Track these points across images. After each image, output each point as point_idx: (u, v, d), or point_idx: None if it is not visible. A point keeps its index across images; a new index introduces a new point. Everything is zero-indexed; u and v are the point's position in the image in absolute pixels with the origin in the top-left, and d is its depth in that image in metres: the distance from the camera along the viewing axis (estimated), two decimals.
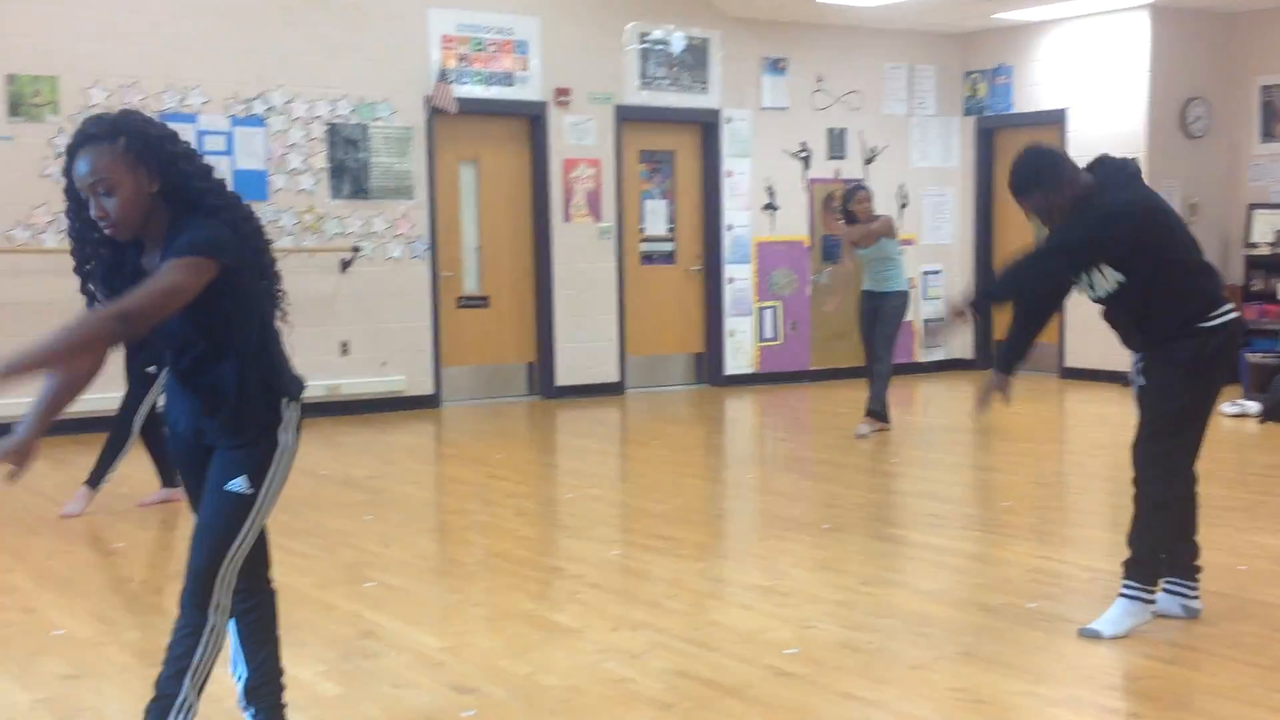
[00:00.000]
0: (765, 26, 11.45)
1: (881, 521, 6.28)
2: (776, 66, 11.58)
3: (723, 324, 11.50)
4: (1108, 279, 4.37)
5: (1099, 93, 11.35)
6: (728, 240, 11.48)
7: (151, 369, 6.29)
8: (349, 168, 9.81)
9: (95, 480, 6.44)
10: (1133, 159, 4.54)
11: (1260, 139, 11.34)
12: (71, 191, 2.92)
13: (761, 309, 11.66)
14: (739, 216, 11.52)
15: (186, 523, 6.08)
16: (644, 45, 10.96)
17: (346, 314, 9.80)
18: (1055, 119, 11.65)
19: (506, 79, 10.40)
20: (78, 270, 3.02)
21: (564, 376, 10.72)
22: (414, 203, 10.07)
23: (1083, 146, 11.47)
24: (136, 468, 6.73)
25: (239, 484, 3.03)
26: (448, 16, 10.12)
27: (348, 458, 8.01)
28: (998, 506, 6.71)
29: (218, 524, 3.04)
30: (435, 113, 10.04)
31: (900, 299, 8.92)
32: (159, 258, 2.88)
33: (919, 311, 12.36)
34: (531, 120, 10.60)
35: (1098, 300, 4.48)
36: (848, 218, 8.97)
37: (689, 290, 11.53)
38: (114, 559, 5.68)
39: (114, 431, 6.44)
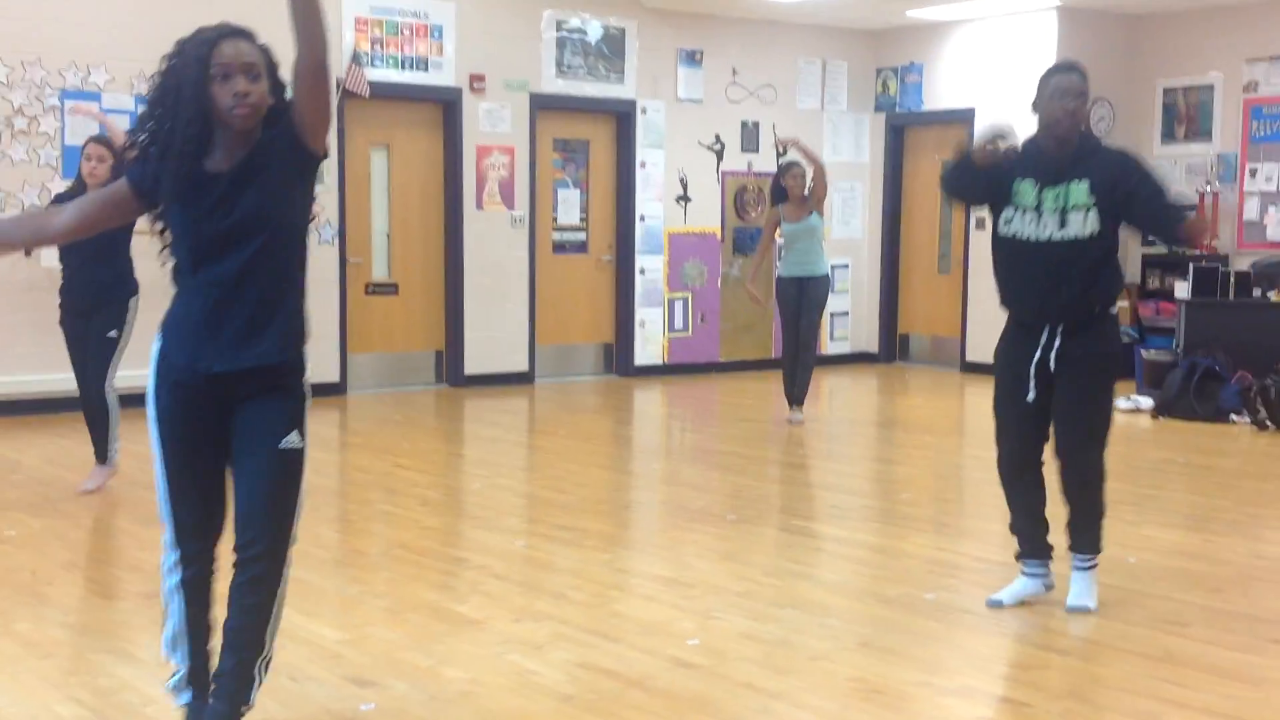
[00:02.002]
0: (682, 18, 11.47)
1: (785, 513, 6.35)
2: (692, 58, 11.61)
3: (633, 314, 11.52)
4: (1088, 222, 4.30)
5: (1006, 92, 11.52)
6: (640, 231, 11.49)
7: (112, 334, 6.26)
8: None
9: (104, 456, 6.41)
10: None
11: (1161, 140, 11.61)
12: (197, 70, 2.94)
13: (672, 300, 11.70)
14: (652, 207, 11.54)
15: (82, 511, 5.96)
16: (560, 33, 10.93)
17: None
18: (964, 117, 11.82)
19: (421, 64, 10.31)
20: (142, 152, 3.03)
21: (473, 365, 10.67)
22: (322, 187, 9.92)
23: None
24: (53, 452, 6.57)
25: (293, 439, 3.10)
26: None
27: None
28: (898, 499, 6.81)
29: (285, 482, 3.10)
30: (347, 96, 9.93)
31: (826, 284, 8.95)
32: (251, 157, 2.99)
33: (827, 305, 12.47)
34: (445, 106, 10.52)
35: (1046, 241, 4.31)
36: (778, 194, 8.90)
37: (600, 280, 11.54)
38: (4, 548, 5.55)
39: (93, 406, 6.36)
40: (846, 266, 12.67)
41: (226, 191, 2.99)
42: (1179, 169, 11.48)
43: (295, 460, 3.12)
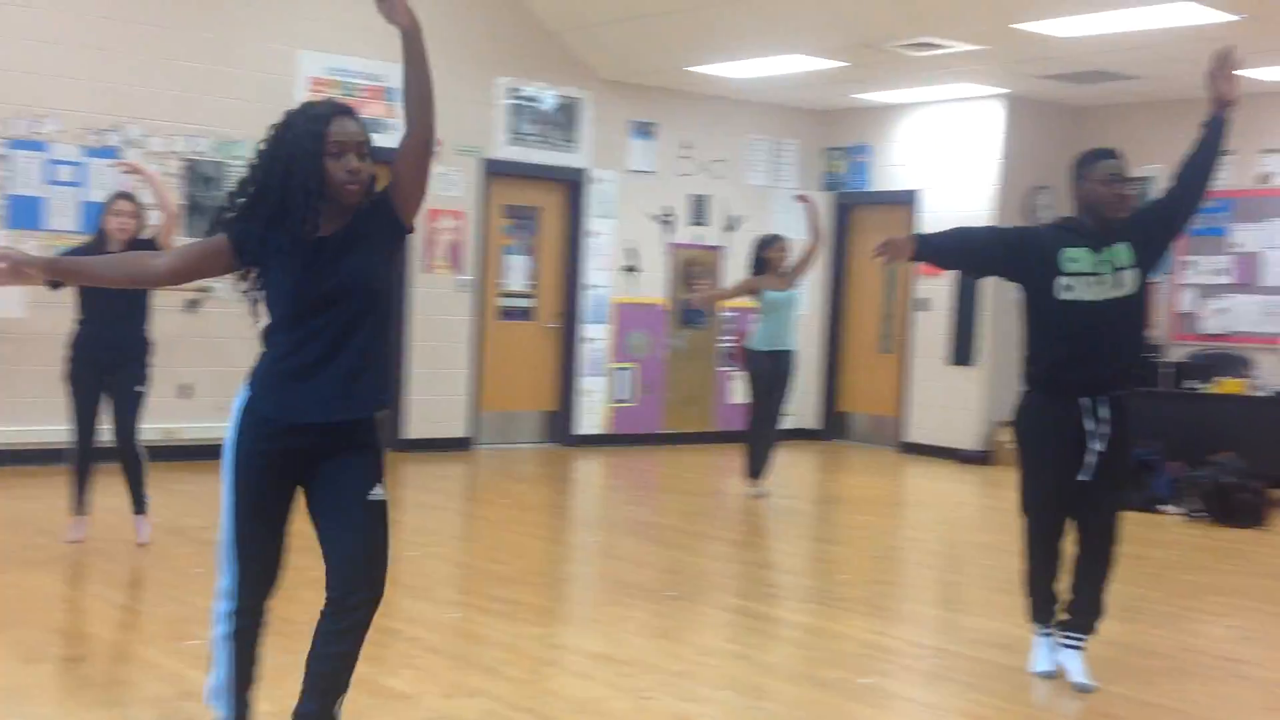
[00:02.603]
0: (636, 90, 11.59)
1: (724, 591, 6.33)
2: (645, 130, 11.72)
3: (577, 383, 11.51)
4: (1135, 279, 4.59)
5: (952, 176, 11.75)
6: (587, 299, 11.53)
7: (140, 389, 6.52)
8: (205, 206, 9.59)
9: (143, 506, 6.59)
10: None
11: None
12: (312, 145, 3.14)
13: (616, 369, 11.72)
14: (599, 276, 11.58)
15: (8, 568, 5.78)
16: (515, 100, 11.00)
17: (192, 355, 9.52)
18: (909, 199, 12.00)
19: (375, 126, 10.29)
20: (242, 214, 3.21)
21: (413, 429, 10.60)
22: None
23: (933, 228, 11.83)
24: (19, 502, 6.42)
25: (379, 491, 3.31)
26: (318, 59, 10.03)
27: (180, 506, 7.75)
28: (835, 579, 6.82)
29: (378, 533, 3.31)
30: None
31: (797, 359, 9.09)
32: (351, 225, 3.20)
33: None
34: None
35: (1107, 301, 4.56)
36: (759, 265, 8.99)
37: (545, 347, 11.53)
38: None
39: (129, 459, 6.55)
40: None
41: (332, 256, 3.18)
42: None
43: (383, 511, 3.31)
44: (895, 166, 12.27)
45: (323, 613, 3.28)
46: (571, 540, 7.80)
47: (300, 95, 9.90)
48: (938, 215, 11.72)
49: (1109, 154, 4.70)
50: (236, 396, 3.28)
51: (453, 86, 10.64)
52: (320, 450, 3.25)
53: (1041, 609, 4.84)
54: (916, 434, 11.98)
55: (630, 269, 11.75)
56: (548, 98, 11.16)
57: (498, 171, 10.96)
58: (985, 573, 7.18)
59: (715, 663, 4.91)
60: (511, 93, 10.98)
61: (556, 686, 4.55)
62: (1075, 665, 4.73)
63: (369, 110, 10.29)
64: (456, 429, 10.84)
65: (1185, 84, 10.50)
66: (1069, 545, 4.80)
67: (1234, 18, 8.24)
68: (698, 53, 10.53)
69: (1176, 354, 10.86)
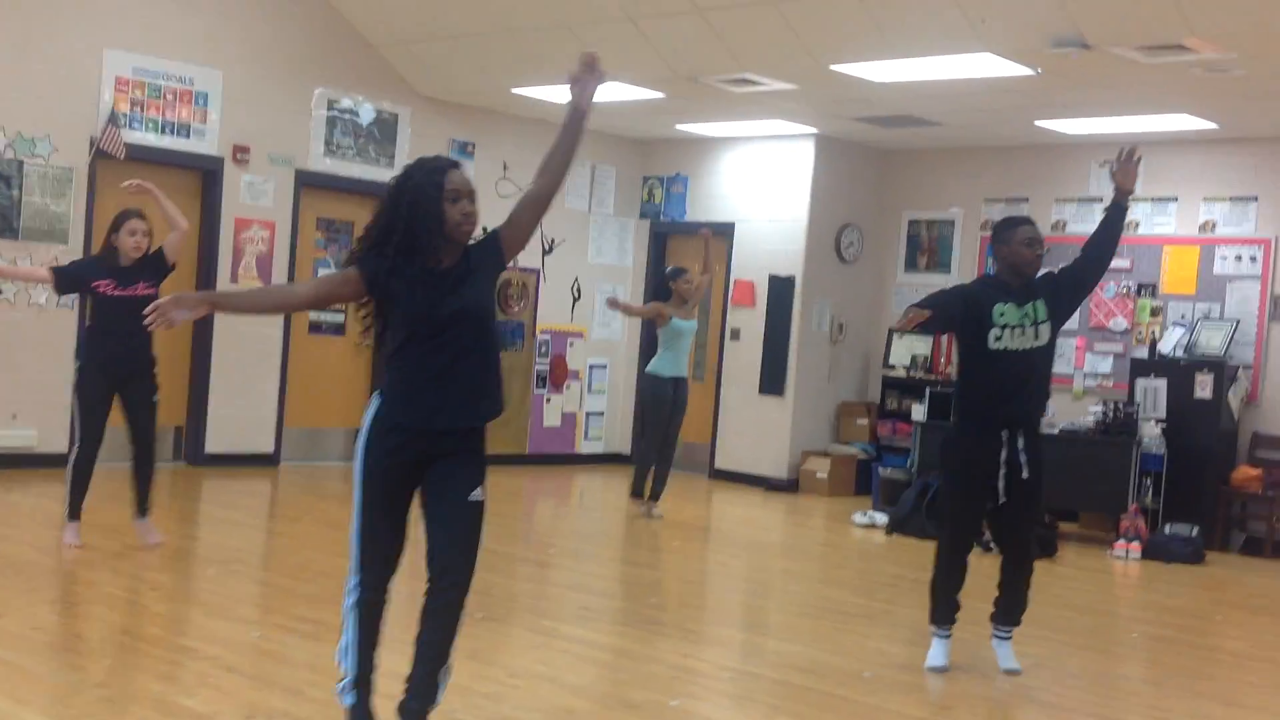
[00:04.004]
0: (456, 109, 11.52)
1: (534, 613, 6.29)
2: (465, 149, 11.65)
3: None
4: (1048, 331, 5.36)
5: (766, 210, 12.01)
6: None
7: (156, 399, 6.90)
8: (2, 206, 9.14)
9: (148, 509, 6.92)
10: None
11: (904, 268, 12.27)
12: (433, 192, 3.73)
13: None
14: None
15: None
16: (331, 112, 10.80)
17: None
18: (724, 231, 12.21)
19: (183, 130, 10.00)
20: (372, 251, 3.76)
21: (215, 443, 10.26)
22: (67, 248, 9.46)
23: (747, 260, 12.10)
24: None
25: (479, 494, 3.86)
26: (124, 59, 9.67)
27: None
28: (646, 602, 6.85)
29: (475, 528, 3.86)
30: (101, 156, 9.53)
31: (688, 385, 9.50)
32: (465, 259, 3.80)
33: (583, 404, 12.60)
34: (205, 175, 10.22)
35: (1029, 350, 5.31)
36: (664, 294, 9.42)
37: (356, 364, 11.31)
38: None
39: (148, 464, 6.90)
40: (605, 367, 12.82)
41: (452, 285, 3.77)
42: (919, 296, 12.07)
43: (481, 511, 3.87)
44: (711, 199, 12.48)
45: (425, 594, 3.87)
46: None
47: (106, 94, 9.54)
48: (751, 249, 11.98)
49: (1026, 221, 5.54)
50: (368, 408, 3.85)
51: (268, 94, 10.42)
52: (438, 453, 3.81)
53: (945, 613, 5.55)
54: (727, 461, 12.16)
55: None
56: (365, 111, 11.00)
57: (311, 183, 10.74)
58: (790, 598, 7.32)
59: (525, 684, 4.87)
60: (329, 104, 10.78)
61: None
62: (1006, 652, 5.55)
63: (177, 114, 9.98)
64: (261, 445, 10.54)
65: (982, 132, 11.01)
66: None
67: (1030, 72, 8.65)
68: (519, 75, 10.52)
69: None
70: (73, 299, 9.53)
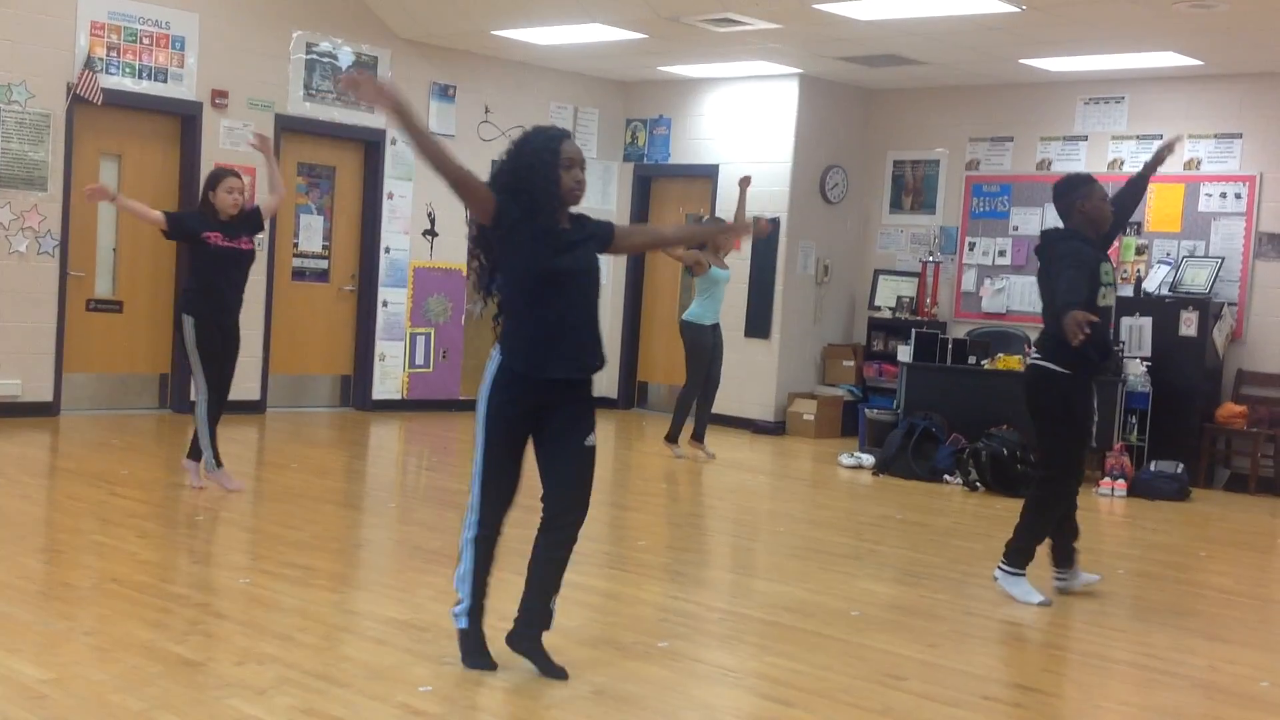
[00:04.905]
0: (437, 51, 11.39)
1: (522, 557, 6.26)
2: (446, 93, 11.54)
3: (373, 347, 11.30)
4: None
5: (750, 152, 11.93)
6: (385, 263, 11.31)
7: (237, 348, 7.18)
8: None
9: (219, 459, 7.18)
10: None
11: (889, 209, 12.23)
12: (550, 158, 4.09)
13: (414, 334, 11.54)
14: (398, 240, 11.38)
15: None
16: (310, 56, 10.68)
17: None
18: (709, 173, 12.16)
19: (160, 74, 9.88)
20: (512, 211, 4.09)
21: None
22: (46, 195, 9.39)
23: (731, 202, 12.03)
24: None
25: (591, 439, 4.27)
26: (100, 3, 9.54)
27: None
28: (635, 545, 6.87)
29: (588, 470, 4.27)
30: (78, 102, 9.41)
31: (722, 330, 10.02)
32: (577, 224, 4.23)
33: None
34: (184, 120, 10.12)
35: (1110, 307, 5.79)
36: (700, 245, 9.66)
37: (341, 310, 11.27)
38: None
39: (223, 408, 7.17)
40: None
41: (569, 245, 4.15)
42: (904, 238, 12.11)
43: (593, 454, 4.27)
44: (695, 140, 12.40)
45: (540, 529, 4.26)
46: (366, 505, 7.65)
47: (81, 39, 9.41)
48: (735, 191, 11.89)
49: (1094, 179, 5.79)
50: (490, 360, 4.17)
51: (246, 37, 10.30)
52: (553, 402, 4.15)
53: (1064, 555, 5.92)
54: (717, 405, 12.13)
55: (429, 233, 11.58)
56: (344, 54, 10.87)
57: (292, 128, 10.64)
58: (777, 539, 7.36)
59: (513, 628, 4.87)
60: (308, 47, 10.66)
61: (352, 652, 4.45)
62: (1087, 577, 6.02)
63: (154, 58, 9.85)
64: (247, 392, 10.49)
65: (967, 71, 10.94)
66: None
67: (1015, 9, 8.58)
68: (500, 17, 10.40)
69: (959, 330, 11.31)
70: (54, 246, 9.46)
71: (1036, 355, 5.78)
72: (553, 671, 4.24)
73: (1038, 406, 5.76)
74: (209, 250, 6.94)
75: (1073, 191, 5.66)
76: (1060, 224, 5.85)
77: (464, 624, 4.29)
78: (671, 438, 9.85)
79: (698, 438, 9.82)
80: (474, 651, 4.28)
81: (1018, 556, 5.73)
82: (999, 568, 5.80)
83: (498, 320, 4.19)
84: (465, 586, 4.28)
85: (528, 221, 4.08)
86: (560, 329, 4.11)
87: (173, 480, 7.85)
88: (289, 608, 4.96)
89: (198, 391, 7.09)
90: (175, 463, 8.57)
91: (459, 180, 4.04)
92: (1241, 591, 6.47)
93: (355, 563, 6.12)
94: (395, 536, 6.76)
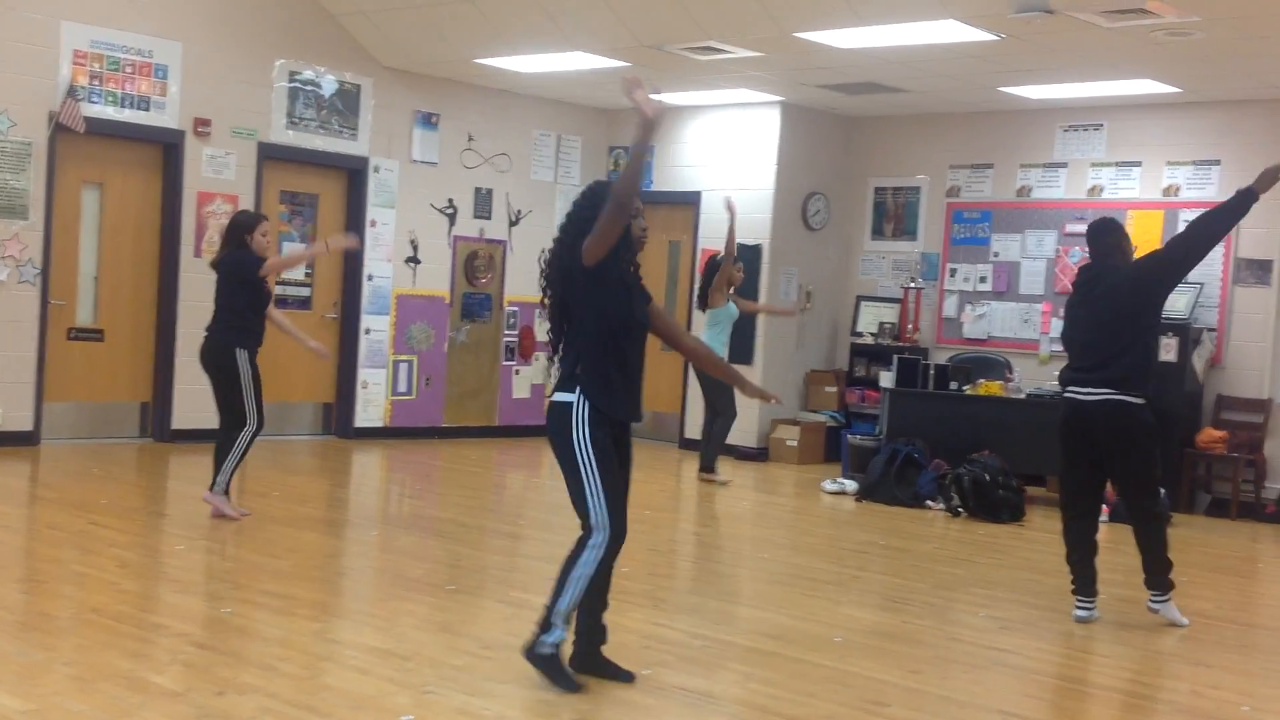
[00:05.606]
0: (420, 80, 11.43)
1: (505, 584, 6.29)
2: (429, 120, 11.57)
3: (356, 374, 11.28)
4: None
5: (732, 180, 11.97)
6: (367, 290, 11.30)
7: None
8: None
9: (219, 481, 7.32)
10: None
11: (870, 236, 12.28)
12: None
13: (397, 362, 11.53)
14: (380, 267, 11.38)
15: None
16: (293, 84, 10.69)
17: None
18: (690, 200, 12.20)
19: (142, 103, 9.88)
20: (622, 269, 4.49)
21: (182, 419, 10.19)
22: (27, 223, 9.37)
23: (714, 229, 12.08)
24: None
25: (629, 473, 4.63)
26: (82, 31, 9.54)
27: None
28: (616, 572, 6.83)
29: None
30: (60, 130, 9.41)
31: None
32: (638, 277, 4.63)
33: (552, 376, 12.56)
34: (166, 148, 10.11)
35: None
36: (710, 277, 10.14)
37: (323, 337, 11.23)
38: None
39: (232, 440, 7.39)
40: None
41: (639, 291, 4.55)
42: (885, 264, 12.16)
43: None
44: (678, 168, 12.45)
45: (582, 542, 4.46)
46: (348, 534, 7.62)
47: (64, 68, 9.41)
48: (720, 217, 11.93)
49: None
50: (573, 397, 4.42)
51: (229, 66, 10.31)
52: (618, 436, 4.52)
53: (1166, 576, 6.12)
54: (697, 430, 12.12)
55: (412, 260, 11.58)
56: (327, 82, 10.90)
57: (274, 156, 10.64)
58: (760, 565, 7.35)
59: (497, 656, 4.87)
60: (290, 76, 10.68)
61: (334, 682, 4.43)
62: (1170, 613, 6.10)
63: (136, 87, 9.85)
64: None
65: (947, 99, 11.01)
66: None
67: (995, 38, 8.65)
68: (482, 45, 10.44)
69: (940, 356, 11.35)
70: (35, 274, 9.44)
71: (1109, 391, 5.91)
72: (623, 675, 4.58)
73: (1131, 440, 5.96)
74: (264, 291, 7.45)
75: (1117, 232, 6.14)
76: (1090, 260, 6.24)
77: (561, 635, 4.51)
78: (706, 468, 10.22)
79: (711, 467, 10.20)
80: (565, 674, 4.50)
81: (1165, 580, 6.04)
82: (1152, 600, 6.07)
83: (560, 358, 4.48)
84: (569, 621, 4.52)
85: (616, 267, 4.39)
86: (633, 373, 4.48)
87: (153, 509, 7.83)
88: (270, 637, 4.94)
89: (248, 424, 7.38)
90: (156, 491, 8.55)
91: (628, 210, 4.30)
92: (1223, 616, 6.49)
93: (337, 591, 6.10)
94: (377, 565, 6.73)
